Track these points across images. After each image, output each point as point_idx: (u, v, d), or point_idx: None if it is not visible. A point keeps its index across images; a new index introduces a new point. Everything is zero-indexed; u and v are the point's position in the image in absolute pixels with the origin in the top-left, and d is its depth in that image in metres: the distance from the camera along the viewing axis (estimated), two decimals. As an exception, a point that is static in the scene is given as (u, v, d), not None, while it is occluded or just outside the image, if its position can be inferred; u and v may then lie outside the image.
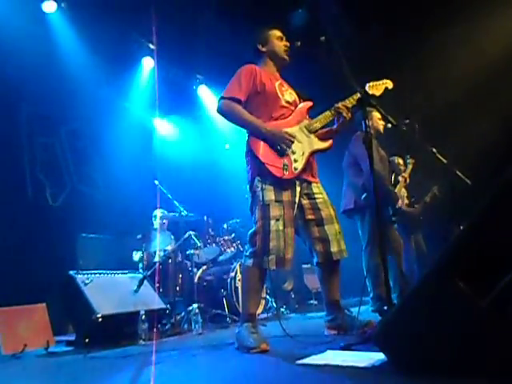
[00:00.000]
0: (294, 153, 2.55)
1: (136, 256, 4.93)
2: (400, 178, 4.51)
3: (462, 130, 5.39)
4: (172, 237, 5.04)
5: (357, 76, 2.43)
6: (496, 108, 5.19)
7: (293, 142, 2.55)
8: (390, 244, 3.81)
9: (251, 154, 2.57)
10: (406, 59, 5.62)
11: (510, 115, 4.96)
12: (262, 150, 2.51)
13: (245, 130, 2.66)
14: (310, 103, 2.80)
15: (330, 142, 2.72)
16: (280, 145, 2.51)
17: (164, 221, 5.28)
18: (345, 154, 4.01)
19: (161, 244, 4.83)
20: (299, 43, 2.66)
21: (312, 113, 2.79)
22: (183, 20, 6.09)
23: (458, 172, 3.25)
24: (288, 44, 2.84)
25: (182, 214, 4.73)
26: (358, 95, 2.57)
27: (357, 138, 3.87)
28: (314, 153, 2.66)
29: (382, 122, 3.97)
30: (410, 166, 4.67)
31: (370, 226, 3.70)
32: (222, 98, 2.63)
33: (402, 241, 4.03)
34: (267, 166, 2.48)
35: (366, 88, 2.74)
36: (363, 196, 3.70)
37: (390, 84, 2.78)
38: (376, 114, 3.90)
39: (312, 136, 2.67)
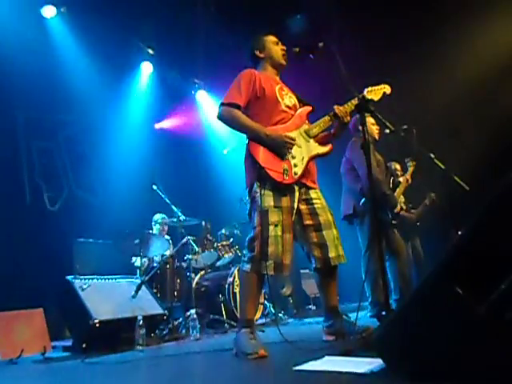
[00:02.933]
0: (293, 157, 2.55)
1: (137, 262, 4.93)
2: (401, 179, 4.48)
3: (460, 135, 5.42)
4: (170, 242, 5.03)
5: (355, 82, 2.45)
6: (494, 113, 5.22)
7: (293, 145, 2.55)
8: (391, 247, 3.82)
9: (251, 159, 2.55)
10: (404, 65, 5.65)
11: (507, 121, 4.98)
12: (262, 155, 2.50)
13: (244, 136, 2.66)
14: (309, 108, 2.80)
15: (330, 146, 2.72)
16: (280, 149, 2.51)
17: (164, 227, 5.28)
18: (342, 159, 4.02)
19: (159, 249, 4.82)
20: (297, 49, 2.67)
21: (311, 118, 2.79)
22: (182, 25, 6.13)
23: (455, 177, 3.26)
24: (284, 48, 2.87)
25: (181, 218, 4.72)
26: (357, 100, 2.58)
27: (353, 144, 3.89)
28: (313, 157, 2.66)
29: (375, 127, 3.97)
30: (410, 169, 4.60)
31: (370, 230, 3.70)
32: (222, 104, 2.63)
33: (403, 243, 4.02)
34: (267, 170, 2.47)
35: (364, 93, 2.75)
36: (362, 201, 3.71)
37: (388, 89, 2.78)
38: (369, 120, 3.89)
39: (311, 141, 2.67)
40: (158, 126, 7.52)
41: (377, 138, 4.01)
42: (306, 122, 2.75)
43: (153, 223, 5.42)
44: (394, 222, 3.87)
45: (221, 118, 2.63)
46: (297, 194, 2.58)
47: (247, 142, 2.61)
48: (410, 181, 4.50)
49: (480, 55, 5.44)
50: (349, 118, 2.70)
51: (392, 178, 4.48)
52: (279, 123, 2.64)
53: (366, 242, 3.75)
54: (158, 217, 5.40)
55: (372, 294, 3.67)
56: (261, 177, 2.51)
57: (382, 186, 3.76)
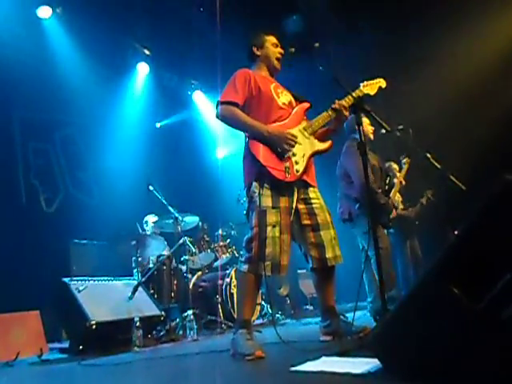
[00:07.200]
0: (294, 155, 2.52)
1: (134, 263, 4.91)
2: (395, 180, 4.46)
3: (456, 134, 5.43)
4: (165, 242, 5.02)
5: (350, 81, 2.45)
6: (491, 113, 5.23)
7: (296, 143, 2.53)
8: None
9: (251, 158, 2.52)
10: (401, 64, 5.66)
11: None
12: (263, 153, 2.47)
13: (242, 135, 2.64)
14: (307, 104, 2.77)
15: (330, 142, 2.70)
16: (283, 146, 2.49)
17: (156, 227, 5.25)
18: (337, 162, 3.99)
19: (155, 250, 4.81)
20: (293, 49, 2.66)
21: (308, 116, 2.78)
22: (178, 26, 6.12)
23: (452, 177, 3.27)
24: (282, 52, 2.84)
25: (178, 219, 4.71)
26: (354, 94, 2.60)
27: (347, 149, 3.83)
28: (314, 154, 2.64)
29: (371, 128, 3.93)
30: (405, 167, 4.56)
31: (367, 230, 3.68)
32: (221, 103, 2.59)
33: (390, 247, 4.00)
34: (269, 169, 2.44)
35: (361, 87, 2.75)
36: (356, 206, 3.69)
37: (383, 83, 2.78)
38: (365, 120, 3.84)
39: (311, 137, 2.65)
40: (153, 126, 7.54)
41: (372, 138, 3.97)
42: (305, 118, 2.74)
43: (144, 224, 5.40)
44: (389, 224, 3.86)
45: (220, 116, 2.58)
46: (295, 194, 2.57)
47: (246, 140, 2.59)
48: (403, 182, 4.49)
49: (480, 54, 5.45)
50: (347, 112, 2.68)
51: (388, 179, 4.45)
52: (277, 121, 2.62)
53: (365, 240, 3.73)
54: (149, 217, 5.38)
55: (371, 293, 3.67)
56: (260, 176, 2.49)
57: (377, 196, 3.71)
